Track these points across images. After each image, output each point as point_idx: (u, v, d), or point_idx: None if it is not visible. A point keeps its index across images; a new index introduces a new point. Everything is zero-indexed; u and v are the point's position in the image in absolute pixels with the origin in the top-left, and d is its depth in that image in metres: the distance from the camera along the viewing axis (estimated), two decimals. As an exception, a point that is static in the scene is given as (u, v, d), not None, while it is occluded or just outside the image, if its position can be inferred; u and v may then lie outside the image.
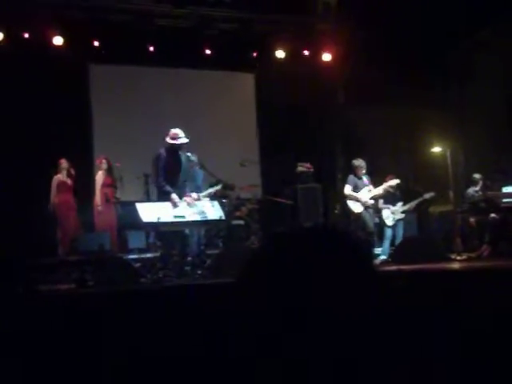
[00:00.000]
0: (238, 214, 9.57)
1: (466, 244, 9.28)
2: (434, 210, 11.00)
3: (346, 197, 8.95)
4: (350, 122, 11.77)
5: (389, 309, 0.94)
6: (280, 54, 11.52)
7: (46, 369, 3.05)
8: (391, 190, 9.13)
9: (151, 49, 10.82)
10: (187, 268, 7.34)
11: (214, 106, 11.56)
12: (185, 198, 7.40)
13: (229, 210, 8.81)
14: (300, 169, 10.73)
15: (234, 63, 11.63)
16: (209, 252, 8.29)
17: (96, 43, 10.47)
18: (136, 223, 7.38)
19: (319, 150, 11.73)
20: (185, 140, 7.52)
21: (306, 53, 11.81)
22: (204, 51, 11.16)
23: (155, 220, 7.03)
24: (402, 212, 9.31)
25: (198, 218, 7.39)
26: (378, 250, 9.00)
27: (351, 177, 9.00)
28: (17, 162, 9.51)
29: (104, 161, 9.40)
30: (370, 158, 9.24)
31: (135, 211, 7.16)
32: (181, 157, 7.59)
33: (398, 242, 9.11)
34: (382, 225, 9.22)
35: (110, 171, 9.36)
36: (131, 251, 8.75)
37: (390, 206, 9.24)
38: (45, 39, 10.09)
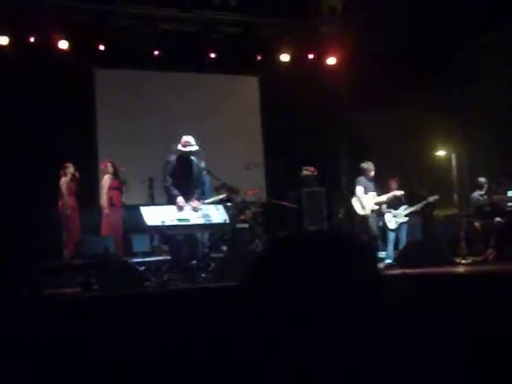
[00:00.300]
0: (242, 217, 9.56)
1: (471, 248, 9.24)
2: (439, 213, 10.97)
3: (357, 197, 8.95)
4: (354, 125, 11.77)
5: (393, 312, 0.94)
6: (285, 57, 11.53)
7: (51, 372, 3.05)
8: (394, 199, 9.18)
9: (156, 53, 10.85)
10: (192, 271, 7.34)
11: (219, 110, 11.57)
12: (190, 202, 7.42)
13: (233, 214, 8.81)
14: (304, 172, 10.72)
15: (239, 67, 11.65)
16: (213, 255, 8.29)
17: (101, 47, 10.49)
18: (140, 227, 7.40)
19: (324, 154, 11.72)
20: (194, 148, 7.58)
21: (311, 56, 11.81)
22: (209, 55, 11.18)
23: (159, 223, 7.04)
24: (405, 215, 9.29)
25: (202, 221, 7.41)
26: (382, 254, 8.98)
27: (362, 179, 8.99)
28: (21, 166, 9.54)
29: (109, 164, 9.44)
30: (375, 162, 9.22)
31: (140, 215, 7.18)
32: (192, 164, 7.64)
33: (401, 245, 9.09)
34: (384, 228, 9.20)
35: (115, 175, 9.40)
36: (136, 255, 8.75)
37: (392, 210, 9.22)
38: (50, 43, 10.13)
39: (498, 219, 9.12)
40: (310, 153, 11.32)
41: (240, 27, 11.33)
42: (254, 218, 9.81)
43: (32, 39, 10.03)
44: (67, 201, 9.10)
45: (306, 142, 11.53)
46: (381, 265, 8.47)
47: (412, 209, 9.36)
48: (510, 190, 9.20)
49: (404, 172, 10.87)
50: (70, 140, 10.00)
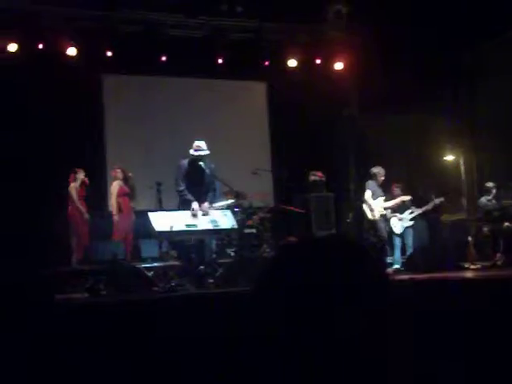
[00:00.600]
0: (249, 222, 9.56)
1: (480, 253, 9.21)
2: (447, 218, 10.94)
3: (365, 202, 8.95)
4: (362, 130, 11.76)
5: (401, 317, 0.94)
6: (292, 62, 11.55)
7: (62, 377, 3.06)
8: (402, 204, 9.18)
9: (164, 59, 10.88)
10: (199, 277, 7.35)
11: (227, 115, 11.60)
12: (201, 205, 7.47)
13: (241, 219, 8.81)
14: (312, 177, 10.72)
15: (246, 72, 11.67)
16: (221, 261, 8.29)
17: (109, 53, 10.54)
18: (149, 232, 7.43)
19: (331, 159, 11.71)
20: (205, 152, 7.65)
21: (318, 61, 11.82)
22: (216, 60, 11.21)
23: (168, 229, 7.06)
24: (411, 219, 9.25)
25: (210, 226, 7.43)
26: (389, 259, 8.96)
27: (372, 183, 9.00)
28: (30, 172, 9.58)
29: (119, 170, 9.47)
30: (383, 167, 9.22)
31: (148, 220, 7.21)
32: (203, 168, 7.68)
33: (408, 250, 9.07)
34: (390, 233, 9.18)
35: (125, 181, 9.44)
36: (144, 260, 8.78)
37: (398, 214, 9.20)
38: (58, 50, 10.18)
39: (507, 224, 9.08)
40: (318, 158, 11.32)
41: (247, 33, 11.37)
42: (262, 223, 9.80)
43: (40, 46, 10.08)
44: (77, 206, 9.14)
45: (314, 147, 11.52)
46: (389, 270, 8.45)
47: (417, 212, 9.32)
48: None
49: (412, 176, 10.85)
50: (79, 146, 10.05)
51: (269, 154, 12.10)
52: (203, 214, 7.46)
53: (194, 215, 7.34)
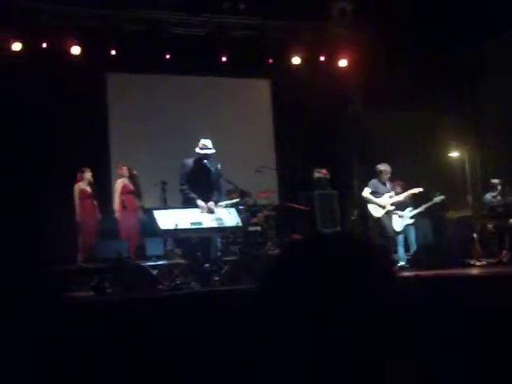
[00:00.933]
0: (254, 220, 9.57)
1: (485, 249, 9.19)
2: (452, 215, 10.91)
3: (364, 200, 8.93)
4: (366, 127, 11.74)
5: (407, 314, 0.94)
6: (296, 60, 11.54)
7: (65, 373, 3.07)
8: (413, 197, 9.10)
9: (167, 57, 10.90)
10: (204, 275, 7.36)
11: (231, 113, 11.60)
12: (207, 205, 7.48)
13: (245, 217, 8.82)
14: (316, 175, 10.71)
15: (250, 70, 11.67)
16: (226, 258, 8.30)
17: (113, 52, 10.56)
18: (154, 230, 7.45)
19: (336, 156, 11.71)
20: (211, 151, 7.66)
21: (322, 58, 11.81)
22: (220, 58, 11.21)
23: (173, 227, 7.07)
24: (411, 217, 9.20)
25: (215, 224, 7.44)
26: (394, 257, 8.94)
27: (373, 181, 8.97)
28: (35, 171, 9.61)
29: (124, 168, 9.49)
30: (387, 164, 9.19)
31: (153, 218, 7.23)
32: (208, 167, 7.69)
33: (411, 247, 9.04)
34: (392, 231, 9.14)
35: (131, 179, 9.46)
36: (149, 258, 8.79)
37: (398, 212, 9.15)
38: (62, 49, 10.21)
39: (511, 220, 9.06)
40: (322, 155, 11.31)
41: (251, 30, 11.37)
42: (267, 220, 9.82)
43: (44, 45, 10.11)
44: (79, 206, 9.16)
45: (318, 145, 11.52)
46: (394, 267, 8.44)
47: (417, 210, 9.25)
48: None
49: (416, 174, 10.82)
50: (83, 144, 10.08)
51: (273, 152, 12.09)
52: (209, 212, 7.47)
53: (202, 212, 7.36)
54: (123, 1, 10.42)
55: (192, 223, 7.27)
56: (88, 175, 9.31)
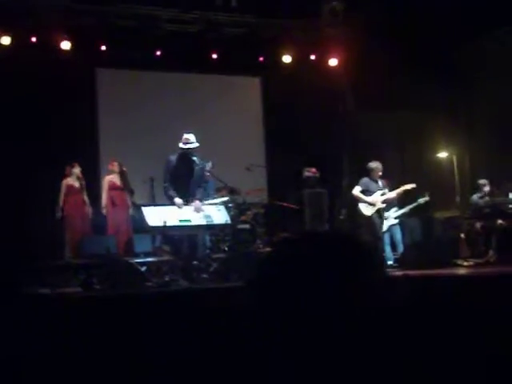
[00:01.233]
0: (243, 218, 9.56)
1: (473, 250, 9.24)
2: (441, 215, 10.97)
3: (354, 198, 8.91)
4: (356, 126, 11.76)
5: (397, 313, 0.94)
6: (287, 58, 11.53)
7: (52, 372, 3.05)
8: (404, 194, 9.07)
9: (158, 53, 10.85)
10: (193, 272, 7.35)
11: (221, 110, 11.58)
12: (192, 204, 7.44)
13: (234, 214, 8.82)
14: (306, 174, 10.72)
15: (241, 67, 11.65)
16: (214, 256, 8.29)
17: (103, 48, 10.50)
18: (142, 227, 7.42)
19: (325, 155, 11.72)
20: (194, 145, 7.61)
21: (313, 57, 11.81)
22: (211, 55, 11.18)
23: (161, 224, 7.05)
24: (396, 217, 9.21)
25: (203, 222, 7.43)
26: (382, 256, 8.96)
27: (364, 179, 8.94)
28: (23, 165, 9.54)
29: (116, 164, 9.43)
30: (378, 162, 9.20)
31: (141, 215, 7.20)
32: (192, 162, 7.65)
33: (397, 246, 9.06)
34: None
35: (121, 175, 9.39)
36: (137, 255, 8.76)
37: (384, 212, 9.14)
38: (52, 43, 10.13)
39: (500, 221, 9.12)
40: (312, 154, 11.32)
41: (242, 28, 11.34)
42: (256, 218, 9.81)
43: (34, 39, 10.03)
44: (66, 201, 9.11)
45: (308, 143, 11.52)
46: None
47: (402, 211, 9.25)
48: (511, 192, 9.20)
49: (405, 173, 10.86)
50: (72, 140, 10.02)
51: (263, 150, 12.09)
52: (196, 212, 7.44)
53: (181, 209, 7.33)
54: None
55: (181, 220, 7.25)
56: (77, 170, 9.25)
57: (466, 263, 8.21)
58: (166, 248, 8.11)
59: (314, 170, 10.74)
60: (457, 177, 10.01)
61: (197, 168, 7.70)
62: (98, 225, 9.31)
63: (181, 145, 7.67)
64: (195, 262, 7.52)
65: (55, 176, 9.27)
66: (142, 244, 8.89)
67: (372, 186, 8.89)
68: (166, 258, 7.89)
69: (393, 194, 8.91)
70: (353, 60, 11.34)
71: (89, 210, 9.29)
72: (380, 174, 8.94)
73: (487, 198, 9.62)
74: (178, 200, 7.35)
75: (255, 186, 10.28)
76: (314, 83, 11.39)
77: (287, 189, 10.99)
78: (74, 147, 9.94)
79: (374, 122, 11.21)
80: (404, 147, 11.77)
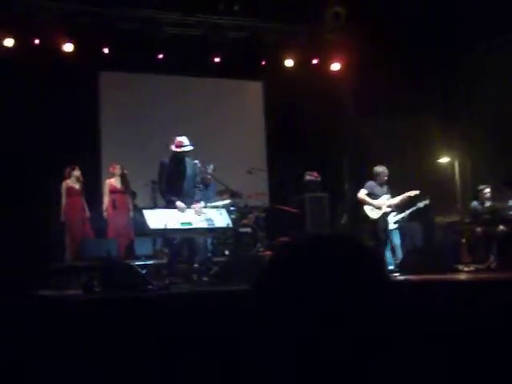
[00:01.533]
0: (244, 221, 9.57)
1: (474, 255, 9.23)
2: (442, 220, 10.96)
3: (359, 201, 8.86)
4: (358, 131, 11.77)
5: (398, 316, 0.95)
6: (289, 62, 11.56)
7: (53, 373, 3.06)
8: (408, 199, 9.03)
9: (160, 56, 10.88)
10: (194, 275, 7.35)
11: (223, 114, 11.60)
12: (193, 206, 7.44)
13: (236, 218, 8.82)
14: (307, 177, 10.73)
15: (243, 71, 11.67)
16: (215, 259, 8.30)
17: (106, 50, 10.52)
18: (143, 230, 7.42)
19: (327, 159, 11.73)
20: (189, 148, 7.59)
21: (315, 62, 11.84)
22: (213, 59, 11.21)
23: (162, 227, 7.05)
24: (395, 222, 9.18)
25: (205, 225, 7.42)
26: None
27: (370, 182, 8.90)
28: (25, 168, 9.56)
29: (118, 167, 9.42)
30: (378, 168, 9.20)
31: (143, 218, 7.21)
32: (186, 164, 7.64)
33: (396, 251, 9.03)
34: None
35: (122, 178, 9.39)
36: (138, 258, 8.77)
37: None
38: (55, 46, 10.15)
39: (501, 227, 9.11)
40: (314, 158, 11.34)
41: (244, 32, 11.37)
42: (257, 222, 9.82)
43: (37, 41, 10.06)
44: (66, 203, 9.11)
45: (310, 148, 11.54)
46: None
47: (401, 215, 9.21)
48: (512, 198, 9.20)
49: (406, 178, 10.86)
50: (74, 142, 10.03)
51: (264, 154, 12.10)
52: (197, 214, 7.44)
53: (182, 211, 7.32)
54: (117, -1, 10.40)
55: (182, 223, 7.25)
56: (77, 173, 9.24)
57: (466, 268, 8.20)
58: (167, 251, 8.12)
59: (315, 174, 10.75)
60: (458, 182, 10.01)
61: (190, 170, 7.68)
62: (99, 228, 9.31)
63: (173, 148, 7.64)
64: (196, 265, 7.52)
65: (56, 179, 9.27)
66: (143, 247, 8.90)
67: (377, 189, 8.85)
68: (166, 260, 7.89)
69: (398, 200, 8.88)
70: (355, 65, 11.36)
71: (87, 212, 9.27)
72: (386, 178, 8.90)
73: (488, 204, 9.61)
74: (180, 204, 7.34)
75: (256, 190, 10.29)
76: (316, 87, 11.41)
77: (288, 193, 11.00)
78: (76, 150, 9.94)
79: (375, 127, 11.22)
80: (405, 152, 11.76)
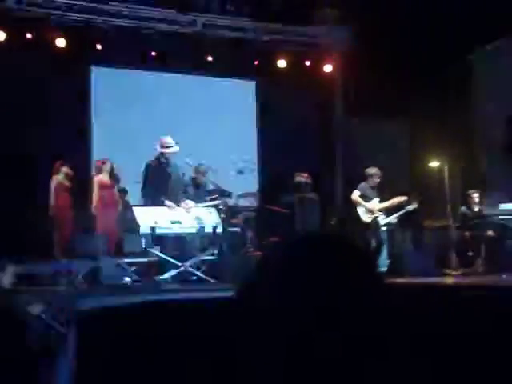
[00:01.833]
0: (234, 221, 9.56)
1: (462, 259, 9.28)
2: (431, 224, 11.01)
3: (352, 202, 8.84)
4: (349, 132, 11.81)
5: (389, 317, 0.95)
6: (281, 63, 11.58)
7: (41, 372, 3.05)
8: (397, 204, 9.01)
9: (153, 53, 10.86)
10: (182, 273, 7.34)
11: (215, 113, 11.58)
12: (183, 205, 7.44)
13: (225, 217, 8.81)
14: (298, 178, 10.73)
15: (236, 71, 11.68)
16: (204, 258, 8.29)
17: (99, 46, 10.49)
18: (133, 227, 7.41)
19: (318, 161, 11.75)
20: (173, 149, 7.58)
21: (308, 63, 11.87)
22: (206, 58, 11.20)
23: (152, 224, 7.04)
24: (383, 225, 9.18)
25: (194, 224, 7.42)
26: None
27: (362, 184, 8.87)
28: (14, 163, 9.50)
29: (106, 162, 9.36)
30: (368, 170, 9.22)
31: (132, 215, 7.19)
32: (172, 165, 7.64)
33: (385, 254, 9.03)
34: None
35: (112, 174, 9.34)
36: (127, 255, 8.73)
37: None
38: (47, 40, 10.12)
39: (490, 232, 9.17)
40: (304, 159, 11.35)
41: (238, 32, 11.37)
42: (246, 222, 9.81)
43: (29, 36, 10.01)
44: (53, 200, 9.05)
45: (301, 148, 11.56)
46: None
47: (389, 218, 9.20)
48: (501, 202, 9.26)
49: (396, 181, 10.90)
50: (65, 138, 9.99)
51: (255, 154, 12.11)
52: (187, 212, 7.44)
53: (173, 211, 7.32)
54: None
55: (172, 222, 7.25)
56: (65, 168, 9.18)
57: (454, 272, 8.25)
58: (157, 249, 8.10)
59: (305, 175, 10.76)
60: (447, 186, 10.05)
61: (174, 170, 7.67)
62: (87, 224, 9.25)
63: (159, 149, 7.62)
64: (185, 264, 7.52)
65: (46, 175, 9.21)
66: (133, 244, 8.86)
67: (369, 191, 8.82)
68: (155, 258, 7.87)
69: (387, 204, 8.87)
70: (347, 67, 11.40)
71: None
72: (378, 180, 8.86)
73: (476, 209, 9.67)
74: (170, 203, 7.35)
75: (247, 190, 10.29)
76: (309, 88, 11.45)
77: (279, 193, 11.00)
78: (67, 145, 9.90)
79: (365, 130, 11.27)
80: (395, 155, 11.81)
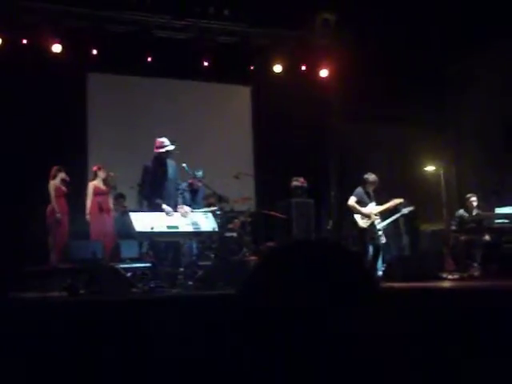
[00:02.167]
0: (230, 226, 9.56)
1: (458, 263, 9.29)
2: (427, 228, 11.03)
3: (349, 208, 8.84)
4: (344, 138, 11.83)
5: (384, 319, 0.96)
6: (277, 68, 11.60)
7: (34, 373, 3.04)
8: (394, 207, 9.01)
9: (149, 59, 10.87)
10: (179, 279, 7.33)
11: (211, 118, 11.60)
12: (178, 209, 7.43)
13: (222, 222, 8.81)
14: (294, 183, 10.75)
15: (232, 76, 11.69)
16: (201, 263, 8.28)
17: (95, 52, 10.50)
18: (129, 232, 7.40)
19: (314, 165, 11.76)
20: (170, 147, 7.58)
21: (304, 68, 11.89)
22: (202, 63, 11.22)
23: (148, 230, 7.03)
24: (380, 229, 9.17)
25: (191, 228, 7.41)
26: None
27: (359, 189, 8.85)
28: (10, 168, 9.49)
29: (100, 168, 9.37)
30: (365, 175, 9.24)
31: (129, 220, 7.18)
32: (168, 165, 7.65)
33: (381, 258, 9.03)
34: None
35: (106, 180, 9.34)
36: (123, 260, 8.72)
37: None
38: (43, 46, 10.12)
39: (486, 236, 9.17)
40: (300, 164, 11.36)
41: (234, 37, 11.40)
42: (243, 227, 9.81)
43: (25, 41, 10.01)
44: (55, 204, 9.03)
45: (297, 153, 11.57)
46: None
47: (385, 222, 9.17)
48: (498, 206, 9.27)
49: (393, 186, 10.92)
50: (61, 143, 9.98)
51: (251, 159, 12.11)
52: (183, 216, 7.44)
53: (169, 215, 7.31)
54: (107, 1, 10.38)
55: (168, 226, 7.24)
56: (62, 174, 9.18)
57: (450, 276, 8.25)
58: (153, 254, 8.09)
59: (301, 179, 10.77)
60: (444, 191, 10.08)
61: (171, 170, 7.68)
62: (84, 230, 9.24)
63: (156, 150, 7.64)
64: (181, 269, 7.50)
65: (41, 180, 9.20)
66: (129, 250, 8.85)
67: (365, 197, 8.82)
68: (152, 264, 7.86)
69: (383, 208, 8.86)
70: (343, 71, 11.42)
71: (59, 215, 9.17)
72: (374, 186, 8.85)
73: (474, 212, 9.69)
74: (166, 207, 7.34)
75: (243, 195, 10.28)
76: (304, 93, 11.46)
77: (275, 198, 11.01)
78: (63, 151, 9.89)
79: (362, 134, 11.29)
80: (392, 160, 11.84)
